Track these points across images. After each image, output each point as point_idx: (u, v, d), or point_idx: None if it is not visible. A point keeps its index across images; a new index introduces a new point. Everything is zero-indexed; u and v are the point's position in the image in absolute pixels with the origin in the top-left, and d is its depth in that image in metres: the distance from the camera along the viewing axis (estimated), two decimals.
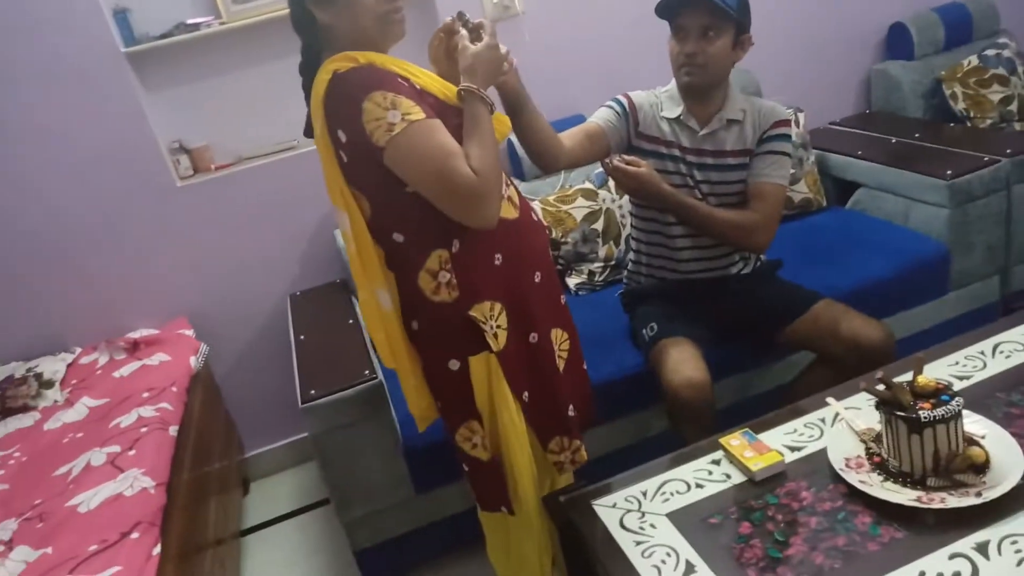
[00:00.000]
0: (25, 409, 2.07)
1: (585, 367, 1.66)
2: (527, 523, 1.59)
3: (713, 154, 1.84)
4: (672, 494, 1.42)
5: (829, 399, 1.55)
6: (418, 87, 1.32)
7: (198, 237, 2.38)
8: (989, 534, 1.17)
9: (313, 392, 1.77)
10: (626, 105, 1.86)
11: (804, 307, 1.89)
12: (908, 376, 1.36)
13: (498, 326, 1.43)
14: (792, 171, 2.06)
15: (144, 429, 1.80)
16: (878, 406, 1.37)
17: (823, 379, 1.82)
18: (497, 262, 1.42)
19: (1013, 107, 2.66)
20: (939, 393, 1.32)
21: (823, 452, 1.42)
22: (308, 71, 1.38)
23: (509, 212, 1.43)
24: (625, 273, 2.13)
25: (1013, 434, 1.32)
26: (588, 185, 2.41)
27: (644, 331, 1.91)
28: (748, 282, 1.98)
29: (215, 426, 2.31)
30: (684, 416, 1.74)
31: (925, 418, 1.27)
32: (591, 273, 2.39)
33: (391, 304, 1.46)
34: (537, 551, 1.63)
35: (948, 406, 1.28)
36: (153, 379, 2.06)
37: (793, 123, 2.00)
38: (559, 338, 1.57)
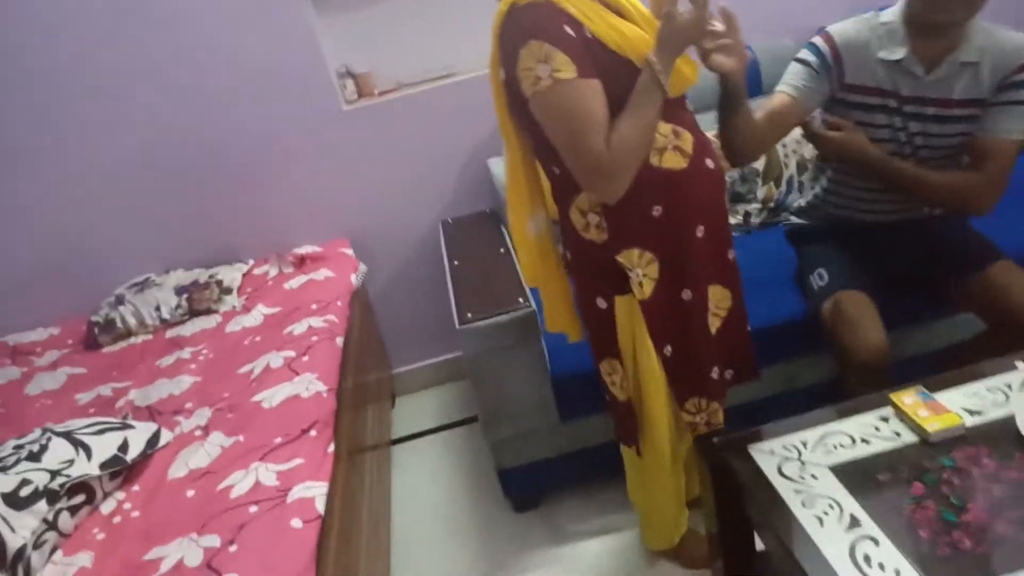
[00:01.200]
0: (209, 312, 2.28)
1: (748, 328, 1.60)
2: (660, 468, 1.60)
3: (937, 103, 1.58)
4: (835, 447, 1.38)
5: (1018, 362, 1.44)
6: (589, 35, 1.25)
7: (359, 160, 2.47)
8: None
9: (470, 315, 1.83)
10: (828, 55, 1.61)
11: (980, 264, 1.69)
12: None
13: (645, 275, 1.40)
14: None
15: (315, 338, 1.94)
16: None
17: (991, 353, 1.67)
18: (656, 213, 1.37)
19: None
20: None
21: (1009, 419, 1.33)
22: None
23: (676, 162, 1.36)
24: (800, 204, 1.95)
25: None
26: None
27: (812, 277, 1.79)
28: (932, 224, 1.79)
29: (370, 341, 2.45)
30: (861, 381, 1.65)
31: None
32: (747, 214, 2.30)
33: (539, 231, 1.50)
34: (671, 496, 1.65)
35: None
36: (319, 293, 2.20)
37: None
38: (717, 296, 1.51)
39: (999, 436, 1.31)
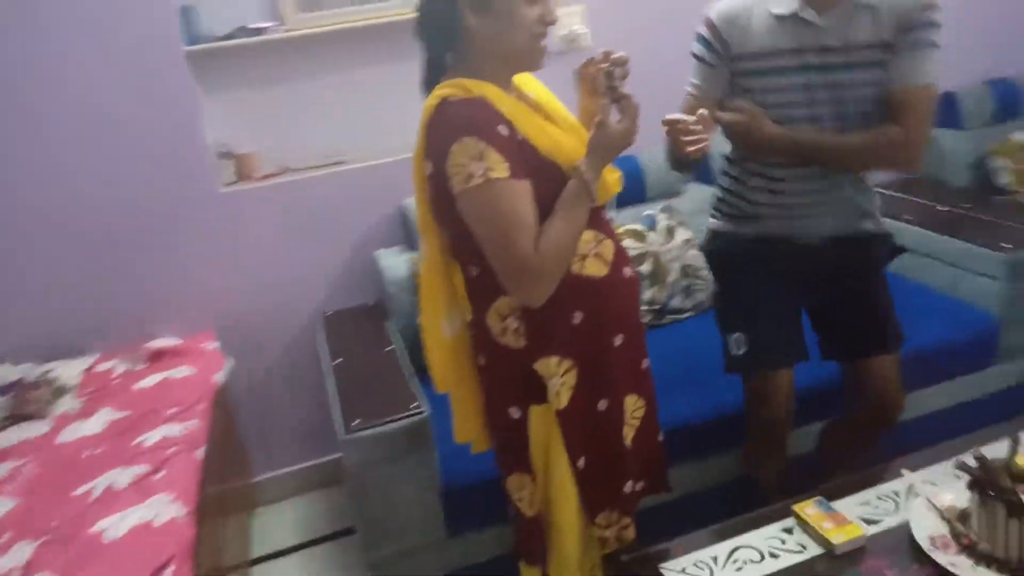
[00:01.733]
0: (37, 417, 1.95)
1: (661, 438, 1.58)
2: None
3: (839, 50, 1.46)
4: (745, 562, 1.35)
5: (904, 471, 1.49)
6: (520, 137, 1.24)
7: (233, 246, 2.30)
8: None
9: (358, 422, 1.69)
10: (710, 38, 1.56)
11: (881, 346, 1.73)
12: (1002, 454, 1.32)
13: (563, 384, 1.35)
14: None
15: (171, 450, 1.70)
16: (971, 485, 1.31)
17: (844, 437, 1.88)
18: (575, 320, 1.34)
19: None
20: None
21: (902, 527, 1.36)
22: (429, 88, 1.32)
23: (597, 269, 1.34)
24: (716, 221, 1.78)
25: None
26: (637, 226, 2.36)
27: (730, 339, 1.73)
28: (861, 276, 1.71)
29: (233, 448, 2.20)
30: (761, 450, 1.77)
31: None
32: None
33: (454, 332, 1.44)
34: None
35: None
36: (178, 394, 1.96)
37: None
38: (632, 405, 1.47)
39: (896, 546, 1.34)
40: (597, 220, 1.36)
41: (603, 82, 1.26)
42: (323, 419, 1.76)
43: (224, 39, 2.14)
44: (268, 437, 2.50)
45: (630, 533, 1.49)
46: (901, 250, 1.79)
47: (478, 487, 1.73)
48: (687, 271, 2.36)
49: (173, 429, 1.78)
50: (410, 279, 2.24)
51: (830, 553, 1.33)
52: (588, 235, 1.33)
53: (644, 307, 2.33)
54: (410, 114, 2.31)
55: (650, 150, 2.44)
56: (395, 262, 2.30)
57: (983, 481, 1.29)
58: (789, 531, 1.41)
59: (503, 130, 1.21)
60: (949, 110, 2.85)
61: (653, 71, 2.56)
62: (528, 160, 1.23)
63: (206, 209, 2.23)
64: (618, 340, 1.39)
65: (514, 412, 1.39)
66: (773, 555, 1.36)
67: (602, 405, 1.40)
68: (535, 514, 1.45)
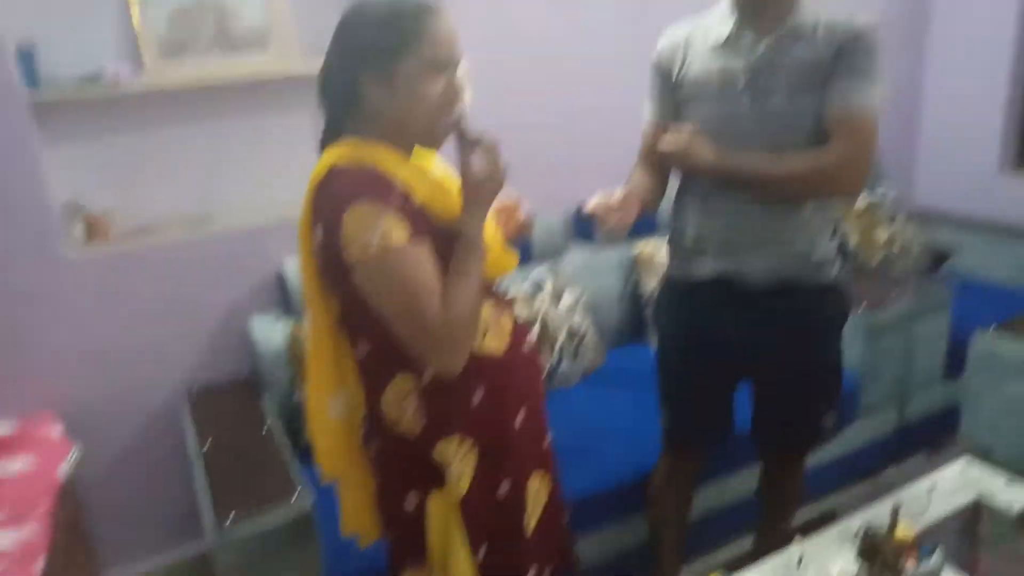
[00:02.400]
0: None
1: (566, 519, 1.53)
2: None
3: (772, 76, 1.45)
4: None
5: (797, 540, 1.53)
6: (417, 204, 1.18)
7: (82, 316, 2.05)
8: None
9: (233, 515, 1.52)
10: (660, 65, 1.60)
11: (789, 447, 1.78)
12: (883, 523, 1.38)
13: (463, 469, 1.28)
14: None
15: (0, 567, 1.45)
16: (860, 556, 1.36)
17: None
18: (475, 399, 1.28)
19: (896, 248, 2.93)
20: (918, 545, 1.33)
21: None
22: (323, 149, 1.26)
23: (495, 346, 1.29)
24: (667, 263, 1.73)
25: None
26: (525, 290, 2.34)
27: (661, 408, 1.78)
28: (804, 344, 1.62)
29: (80, 550, 1.93)
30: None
31: (912, 574, 1.27)
32: None
33: (342, 413, 1.34)
34: None
35: (932, 561, 1.29)
36: (11, 493, 1.69)
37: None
38: (535, 487, 1.41)
39: None
40: (493, 296, 1.33)
41: (455, 133, 1.23)
42: (189, 509, 1.58)
43: (78, 83, 1.93)
44: (123, 530, 2.22)
45: None
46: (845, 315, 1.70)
47: None
48: (573, 334, 2.37)
49: (3, 540, 1.53)
50: (287, 350, 2.09)
51: None
52: (486, 310, 1.28)
53: None
54: (288, 172, 2.26)
55: (537, 217, 2.48)
56: (270, 331, 2.14)
57: (869, 552, 1.34)
58: None
59: (398, 196, 1.15)
60: None
61: (531, 126, 2.64)
62: (426, 227, 1.18)
63: (49, 274, 1.98)
64: (519, 419, 1.34)
65: (410, 501, 1.31)
66: None
67: (503, 488, 1.33)
68: None
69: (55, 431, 1.96)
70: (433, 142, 1.25)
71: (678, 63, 1.55)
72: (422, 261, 1.15)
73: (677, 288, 1.69)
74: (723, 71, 1.49)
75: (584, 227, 2.67)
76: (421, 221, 1.18)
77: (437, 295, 1.15)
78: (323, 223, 1.16)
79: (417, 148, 1.27)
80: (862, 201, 2.98)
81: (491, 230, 1.33)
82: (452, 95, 1.20)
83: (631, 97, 2.72)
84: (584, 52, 2.63)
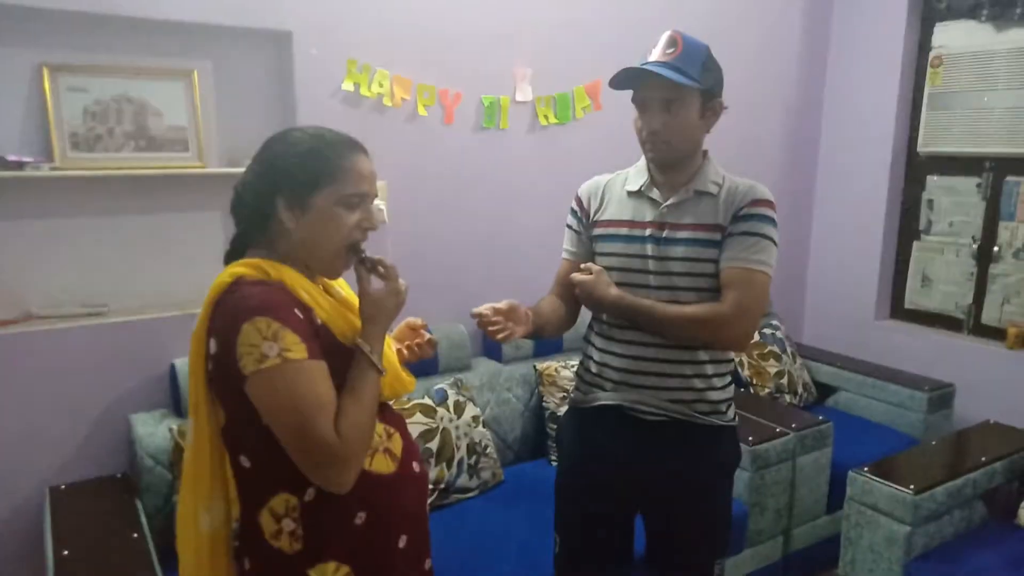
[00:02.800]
0: None
1: None
2: None
3: (675, 226, 1.59)
4: None
5: None
6: (319, 322, 1.21)
7: None
8: None
9: None
10: (577, 209, 1.74)
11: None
12: None
13: None
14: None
15: None
16: None
17: None
18: (358, 521, 1.25)
19: (784, 381, 3.10)
20: None
21: None
22: (228, 261, 1.27)
23: (385, 466, 1.28)
24: (573, 391, 1.79)
25: None
26: (427, 401, 2.33)
27: (553, 534, 1.76)
28: (697, 487, 1.65)
29: None
30: None
31: None
32: None
33: (212, 526, 1.27)
34: None
35: None
36: None
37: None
38: None
39: None
40: (387, 415, 1.33)
41: (354, 256, 1.28)
42: None
43: None
44: None
45: None
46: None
47: None
48: (474, 448, 2.35)
49: None
50: (170, 451, 1.98)
51: None
52: (379, 428, 1.28)
53: (430, 486, 2.26)
54: (192, 270, 2.22)
55: (440, 325, 2.51)
56: (153, 429, 2.03)
57: None
58: None
59: (299, 313, 1.17)
60: None
61: (448, 242, 2.72)
62: (325, 344, 1.19)
63: None
64: (402, 542, 1.31)
65: None
66: None
67: None
68: None
69: None
70: (334, 273, 1.30)
71: (595, 205, 1.70)
72: (317, 377, 1.15)
73: (578, 414, 1.73)
74: (632, 218, 1.63)
75: (491, 343, 2.71)
76: (321, 339, 1.19)
77: (330, 412, 1.15)
78: (219, 334, 1.16)
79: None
80: (755, 335, 3.17)
81: (390, 352, 1.34)
82: (366, 223, 1.25)
83: (543, 222, 2.87)
84: (503, 179, 2.77)
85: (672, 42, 1.53)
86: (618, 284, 1.61)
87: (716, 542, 1.72)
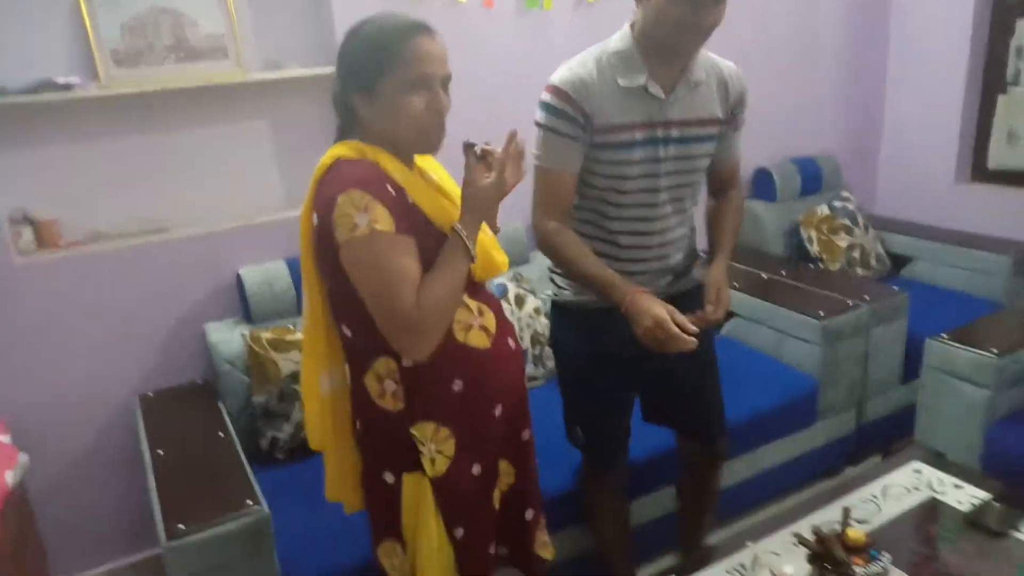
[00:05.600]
0: None
1: (529, 516, 1.55)
2: None
3: (681, 124, 1.54)
4: None
5: (748, 543, 1.54)
6: (410, 201, 1.25)
7: (30, 322, 2.01)
8: None
9: (183, 527, 1.49)
10: (568, 109, 1.49)
11: (711, 437, 1.84)
12: (835, 526, 1.39)
13: (439, 451, 1.34)
14: None
15: None
16: (811, 559, 1.38)
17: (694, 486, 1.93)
18: (456, 388, 1.34)
19: (856, 254, 2.98)
20: (868, 548, 1.35)
21: None
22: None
23: (480, 341, 1.36)
24: (559, 291, 1.72)
25: None
26: None
27: (574, 428, 1.78)
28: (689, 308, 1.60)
29: (30, 559, 1.88)
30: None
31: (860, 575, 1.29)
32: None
33: (332, 388, 1.42)
34: None
35: (879, 562, 1.31)
36: None
37: None
38: (504, 471, 1.48)
39: None
40: (481, 294, 1.40)
41: (463, 146, 1.30)
42: (144, 517, 1.55)
43: (24, 93, 1.89)
44: (75, 537, 2.17)
45: None
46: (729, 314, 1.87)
47: None
48: (537, 339, 2.37)
49: None
50: (245, 355, 2.06)
51: None
52: (473, 306, 1.35)
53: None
54: (246, 180, 2.23)
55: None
56: (227, 336, 2.11)
57: (820, 554, 1.35)
58: None
59: (391, 190, 1.22)
60: (765, 184, 3.12)
61: (498, 141, 2.63)
62: (415, 224, 1.24)
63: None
64: (498, 411, 1.41)
65: (388, 477, 1.37)
66: None
67: (475, 470, 1.39)
68: None
69: (2, 438, 1.91)
70: (426, 148, 1.32)
71: (595, 105, 1.49)
72: (403, 250, 1.20)
73: (574, 313, 1.69)
74: (638, 120, 1.51)
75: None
76: (412, 217, 1.24)
77: (412, 284, 1.21)
78: (319, 208, 1.22)
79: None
80: (824, 208, 3.04)
81: (483, 236, 1.37)
82: (435, 105, 1.25)
83: None
84: (551, 67, 2.64)
85: None
86: (636, 194, 1.56)
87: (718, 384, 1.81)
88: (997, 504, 1.58)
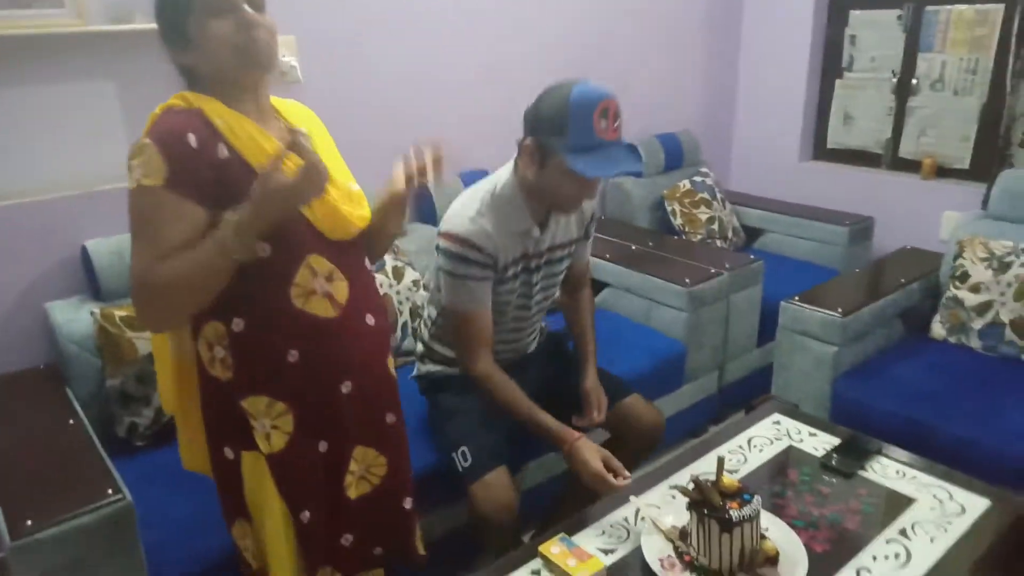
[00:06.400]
0: None
1: (408, 506, 1.51)
2: None
3: (549, 250, 1.82)
4: None
5: (632, 497, 1.60)
6: (225, 154, 1.16)
7: None
8: None
9: (30, 523, 1.34)
10: (480, 258, 1.67)
11: (615, 399, 1.92)
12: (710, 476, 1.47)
13: (275, 427, 1.27)
14: None
15: None
16: (690, 506, 1.44)
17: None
18: (292, 359, 1.26)
19: (715, 227, 3.16)
20: (741, 493, 1.43)
21: (635, 553, 1.45)
22: None
23: (322, 309, 1.27)
24: (421, 350, 1.97)
25: (787, 523, 1.48)
26: None
27: (456, 456, 1.75)
28: (543, 356, 1.99)
29: None
30: (492, 539, 1.69)
31: (736, 518, 1.36)
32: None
33: (178, 353, 1.34)
34: None
35: (752, 505, 1.39)
36: None
37: None
38: (369, 459, 1.40)
39: (632, 571, 1.42)
40: (343, 258, 1.30)
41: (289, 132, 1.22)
42: None
43: None
44: None
45: None
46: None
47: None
48: (417, 312, 2.33)
49: None
50: (95, 335, 1.88)
51: None
52: (321, 270, 1.26)
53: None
54: (94, 143, 2.02)
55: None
56: (74, 315, 1.92)
57: (699, 502, 1.42)
58: (537, 573, 1.42)
59: (193, 141, 1.13)
60: None
61: (372, 107, 2.56)
62: (234, 177, 1.15)
63: None
64: (347, 387, 1.33)
65: (228, 452, 1.30)
66: None
67: (322, 448, 1.33)
68: (260, 567, 1.36)
69: None
70: (253, 67, 1.22)
71: (498, 250, 1.69)
72: (167, 212, 1.13)
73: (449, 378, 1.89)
74: (521, 256, 1.75)
75: (425, 208, 2.64)
76: (227, 171, 1.16)
77: (155, 248, 1.13)
78: None
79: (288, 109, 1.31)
80: (686, 183, 3.19)
81: (344, 182, 1.31)
82: (242, 23, 1.18)
83: (471, 75, 2.73)
84: (430, 27, 2.59)
85: (616, 113, 1.59)
86: (513, 310, 1.83)
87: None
88: (846, 448, 1.73)
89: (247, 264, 1.15)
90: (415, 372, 1.99)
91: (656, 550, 1.44)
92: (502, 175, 1.72)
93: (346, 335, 1.31)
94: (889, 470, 1.68)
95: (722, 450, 1.78)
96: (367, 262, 1.41)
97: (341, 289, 1.30)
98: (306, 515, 1.31)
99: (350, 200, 1.32)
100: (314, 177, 1.13)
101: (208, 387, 1.29)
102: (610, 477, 1.59)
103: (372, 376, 1.38)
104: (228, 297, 1.20)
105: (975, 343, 2.30)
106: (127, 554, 1.44)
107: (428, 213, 2.63)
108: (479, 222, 1.66)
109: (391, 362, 1.45)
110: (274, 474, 1.28)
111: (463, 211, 1.68)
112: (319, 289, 1.26)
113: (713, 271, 2.55)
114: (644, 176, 3.22)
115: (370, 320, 1.35)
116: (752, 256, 2.75)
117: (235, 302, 1.22)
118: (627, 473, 1.61)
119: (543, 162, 1.61)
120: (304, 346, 1.26)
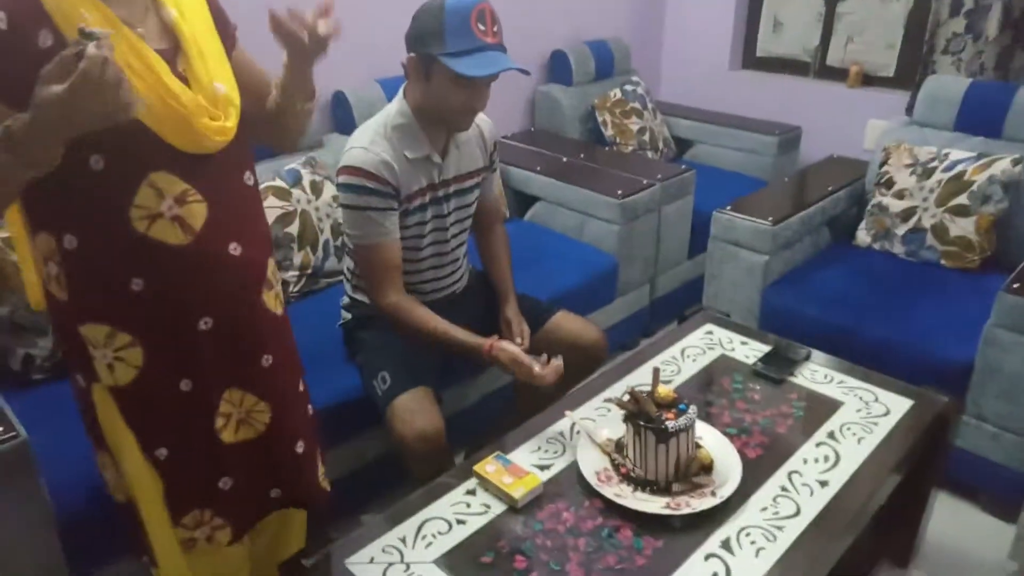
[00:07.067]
0: None
1: (300, 449, 1.41)
2: None
3: (456, 179, 1.78)
4: (435, 535, 1.30)
5: (566, 412, 1.58)
6: (48, 42, 0.98)
7: None
8: (728, 530, 1.29)
9: None
10: (380, 188, 1.62)
11: (543, 320, 1.90)
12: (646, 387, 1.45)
13: (119, 359, 1.16)
14: None
15: None
16: (626, 418, 1.43)
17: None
18: (136, 287, 1.13)
19: (647, 137, 3.10)
20: (676, 403, 1.42)
21: (571, 467, 1.44)
22: None
23: (170, 235, 1.12)
24: (346, 301, 1.90)
25: (721, 431, 1.49)
26: (279, 183, 2.11)
27: (375, 383, 1.69)
28: (472, 296, 1.94)
29: None
30: (419, 465, 1.62)
31: (672, 428, 1.35)
32: (284, 283, 2.10)
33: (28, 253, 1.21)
34: None
35: (687, 415, 1.38)
36: None
37: None
38: (246, 403, 1.30)
39: (568, 487, 1.40)
40: (196, 177, 1.13)
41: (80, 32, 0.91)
42: None
43: None
44: None
45: (224, 536, 1.36)
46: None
47: (106, 514, 1.40)
48: (339, 229, 2.20)
49: None
50: None
51: (513, 508, 1.34)
52: (171, 190, 1.10)
53: (295, 272, 2.12)
54: None
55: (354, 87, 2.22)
56: None
57: (635, 413, 1.41)
58: (473, 492, 1.39)
59: (2, 22, 0.97)
60: (561, 66, 3.11)
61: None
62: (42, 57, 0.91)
63: None
64: (205, 324, 1.20)
65: (80, 380, 1.21)
66: (460, 521, 1.33)
67: (184, 386, 1.23)
68: (126, 499, 1.30)
69: None
70: None
71: (399, 179, 1.65)
72: None
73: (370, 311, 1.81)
74: (425, 186, 1.71)
75: (342, 117, 2.46)
76: (39, 57, 0.92)
77: None
78: None
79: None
80: (617, 92, 3.09)
81: (209, 82, 1.12)
82: None
83: None
84: None
85: (493, 17, 1.57)
86: (431, 246, 1.79)
87: None
88: (775, 355, 1.75)
89: (73, 176, 1.01)
90: (340, 320, 1.91)
91: (592, 463, 1.43)
92: (393, 105, 1.70)
93: (204, 266, 1.17)
94: (817, 375, 1.70)
95: (656, 361, 1.77)
96: (245, 178, 1.25)
97: (196, 212, 1.14)
98: (163, 452, 1.23)
99: (214, 106, 1.12)
100: (94, 93, 0.88)
101: (51, 304, 1.19)
102: (538, 364, 1.57)
103: (239, 313, 1.24)
104: (56, 208, 1.08)
105: (898, 248, 2.35)
106: (26, 493, 1.33)
107: (347, 123, 2.46)
108: (374, 150, 1.63)
109: (271, 298, 1.31)
110: (121, 409, 1.19)
111: (357, 143, 1.65)
112: (166, 212, 1.11)
113: (645, 182, 2.49)
114: (574, 84, 3.10)
115: (235, 249, 1.20)
116: (683, 167, 2.70)
117: (65, 217, 1.09)
118: (557, 361, 1.58)
119: (428, 75, 1.59)
120: (150, 275, 1.13)
